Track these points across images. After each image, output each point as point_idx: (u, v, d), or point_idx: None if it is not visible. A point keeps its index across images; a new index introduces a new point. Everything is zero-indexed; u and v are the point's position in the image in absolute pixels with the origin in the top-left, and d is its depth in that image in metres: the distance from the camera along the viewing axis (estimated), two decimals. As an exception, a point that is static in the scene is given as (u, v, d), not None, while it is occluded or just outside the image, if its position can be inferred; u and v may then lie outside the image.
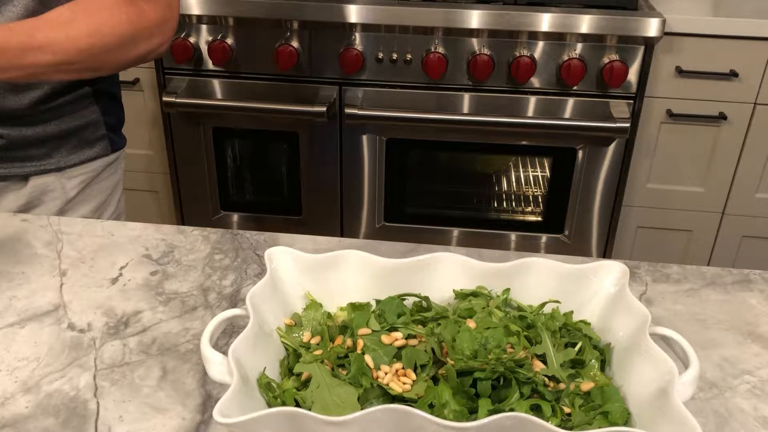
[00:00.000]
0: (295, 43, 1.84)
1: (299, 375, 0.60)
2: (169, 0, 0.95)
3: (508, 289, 0.68)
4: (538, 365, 0.61)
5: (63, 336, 0.71)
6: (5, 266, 0.82)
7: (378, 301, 0.68)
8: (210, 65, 1.90)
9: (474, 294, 0.68)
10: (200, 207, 2.10)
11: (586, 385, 0.60)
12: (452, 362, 0.59)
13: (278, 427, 0.52)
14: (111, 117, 1.12)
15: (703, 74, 1.83)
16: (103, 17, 0.89)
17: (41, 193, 1.06)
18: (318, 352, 0.62)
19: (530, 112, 1.88)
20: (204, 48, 1.87)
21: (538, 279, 0.68)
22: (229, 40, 1.85)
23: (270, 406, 0.57)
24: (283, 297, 0.67)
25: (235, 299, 0.78)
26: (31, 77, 0.90)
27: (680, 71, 1.83)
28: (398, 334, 0.64)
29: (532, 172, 2.01)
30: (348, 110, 1.86)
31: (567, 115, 1.87)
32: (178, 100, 1.89)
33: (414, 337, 0.64)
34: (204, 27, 1.85)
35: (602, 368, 0.63)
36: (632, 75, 1.80)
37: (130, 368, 0.67)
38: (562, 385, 0.60)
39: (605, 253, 2.04)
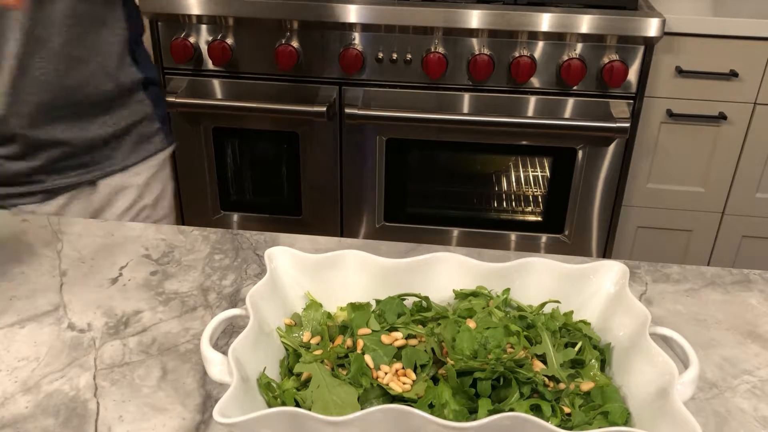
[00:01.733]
0: (295, 43, 1.84)
1: (299, 375, 0.60)
2: None
3: (508, 289, 0.68)
4: (538, 365, 0.61)
5: (63, 336, 0.71)
6: (5, 266, 0.82)
7: (378, 301, 0.68)
8: (210, 65, 1.90)
9: (474, 294, 0.68)
10: (200, 207, 2.10)
11: (586, 385, 0.60)
12: (452, 362, 0.59)
13: (278, 427, 0.52)
14: (160, 110, 1.11)
15: (703, 74, 1.83)
16: None
17: (111, 194, 1.05)
18: (318, 352, 0.62)
19: (530, 112, 1.88)
20: (204, 48, 1.87)
21: (538, 279, 0.68)
22: (229, 40, 1.85)
23: (270, 406, 0.57)
24: (283, 297, 0.67)
25: (235, 299, 0.78)
26: None
27: (680, 71, 1.83)
28: (398, 334, 0.64)
29: (532, 172, 2.01)
30: (348, 110, 1.86)
31: (567, 115, 1.87)
32: (178, 100, 1.89)
33: (414, 337, 0.64)
34: (204, 27, 1.85)
35: (602, 368, 0.63)
36: (632, 75, 1.80)
37: (130, 368, 0.67)
38: (562, 385, 0.60)
39: (605, 253, 2.04)
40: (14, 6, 0.69)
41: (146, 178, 1.09)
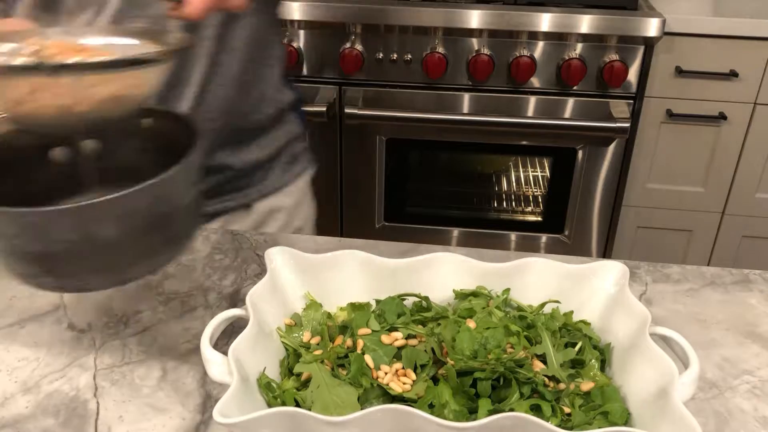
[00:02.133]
0: (295, 43, 1.84)
1: (299, 375, 0.60)
2: None
3: (508, 289, 0.68)
4: (538, 365, 0.61)
5: (63, 336, 0.71)
6: (5, 266, 0.82)
7: (378, 301, 0.68)
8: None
9: (474, 294, 0.68)
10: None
11: (586, 385, 0.60)
12: (452, 362, 0.59)
13: (278, 427, 0.52)
14: (304, 128, 1.09)
15: (703, 74, 1.83)
16: None
17: (266, 216, 1.04)
18: (318, 352, 0.62)
19: (530, 112, 1.88)
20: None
21: (538, 279, 0.68)
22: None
23: (270, 406, 0.57)
24: (283, 297, 0.67)
25: (235, 299, 0.77)
26: None
27: (680, 71, 1.83)
28: (398, 334, 0.64)
29: (532, 172, 2.02)
30: (348, 110, 1.86)
31: (567, 115, 1.87)
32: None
33: (414, 337, 0.64)
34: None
35: (602, 368, 0.63)
36: (632, 75, 1.80)
37: (129, 368, 0.67)
38: (562, 385, 0.60)
39: (605, 253, 2.04)
40: (239, 7, 0.67)
41: (296, 198, 1.07)
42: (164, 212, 0.59)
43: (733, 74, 1.81)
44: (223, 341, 0.70)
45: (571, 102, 1.85)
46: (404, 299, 0.68)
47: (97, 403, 0.63)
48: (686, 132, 1.91)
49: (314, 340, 0.65)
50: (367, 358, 0.61)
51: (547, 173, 1.99)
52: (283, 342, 0.64)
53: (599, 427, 0.54)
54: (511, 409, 0.55)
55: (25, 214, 0.55)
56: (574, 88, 1.83)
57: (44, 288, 0.62)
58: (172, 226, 0.61)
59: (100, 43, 0.64)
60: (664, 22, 1.73)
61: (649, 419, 0.56)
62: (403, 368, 0.61)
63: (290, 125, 1.04)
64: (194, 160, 0.60)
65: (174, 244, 0.63)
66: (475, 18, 1.76)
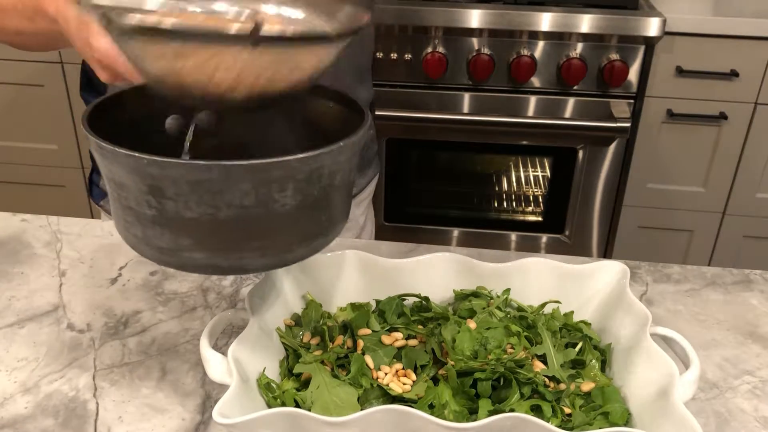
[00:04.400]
0: (295, 43, 1.84)
1: (299, 375, 0.60)
2: None
3: (508, 290, 0.68)
4: (539, 366, 0.61)
5: (62, 336, 0.71)
6: (5, 266, 0.82)
7: (378, 301, 0.68)
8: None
9: (474, 294, 0.68)
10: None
11: (587, 386, 0.60)
12: (452, 363, 0.59)
13: (278, 428, 0.52)
14: (374, 129, 1.03)
15: (704, 74, 1.83)
16: None
17: None
18: (318, 353, 0.62)
19: (530, 112, 1.88)
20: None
21: (538, 279, 0.68)
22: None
23: (270, 406, 0.57)
24: (283, 297, 0.66)
25: (235, 299, 0.77)
26: None
27: (680, 71, 1.83)
28: (398, 335, 0.64)
29: (532, 172, 2.01)
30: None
31: (567, 114, 1.87)
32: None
33: (414, 337, 0.64)
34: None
35: (603, 369, 0.63)
36: (632, 75, 1.80)
37: (129, 368, 0.67)
38: (562, 386, 0.60)
39: (605, 253, 2.04)
40: (366, 24, 0.62)
41: (366, 206, 1.02)
42: (336, 186, 0.54)
43: (734, 74, 1.81)
44: (223, 341, 0.70)
45: (571, 102, 1.85)
46: (404, 299, 0.68)
47: (97, 403, 0.63)
48: (687, 132, 1.91)
49: (314, 341, 0.64)
50: (367, 359, 0.61)
51: (548, 173, 1.99)
52: (283, 342, 0.64)
53: (600, 428, 0.54)
54: (512, 410, 0.55)
55: (205, 168, 0.47)
56: (575, 87, 1.83)
57: (186, 267, 0.55)
58: (337, 204, 0.56)
59: (273, 12, 0.56)
60: (664, 22, 1.73)
61: (649, 420, 0.56)
62: (403, 369, 0.61)
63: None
64: (364, 136, 0.55)
65: (333, 226, 0.57)
66: (475, 18, 1.76)
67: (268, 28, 0.50)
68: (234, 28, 0.48)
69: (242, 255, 0.52)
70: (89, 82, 0.96)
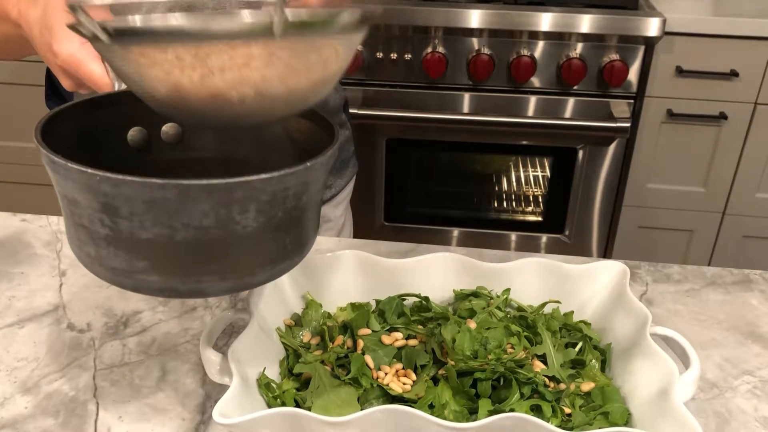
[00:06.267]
0: (295, 43, 1.84)
1: (299, 375, 0.60)
2: None
3: (508, 289, 0.68)
4: (539, 365, 0.61)
5: (62, 336, 0.71)
6: (5, 266, 0.82)
7: (378, 301, 0.68)
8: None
9: (474, 294, 0.68)
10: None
11: (587, 386, 0.60)
12: (452, 362, 0.59)
13: (278, 428, 0.52)
14: (350, 129, 1.02)
15: (704, 74, 1.83)
16: None
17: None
18: (318, 353, 0.62)
19: (530, 112, 1.88)
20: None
21: (538, 279, 0.68)
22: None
23: (270, 406, 0.57)
24: (283, 297, 0.67)
25: (235, 299, 0.77)
26: None
27: (680, 71, 1.83)
28: (398, 335, 0.64)
29: (532, 172, 2.01)
30: (348, 110, 1.86)
31: (567, 114, 1.87)
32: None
33: (414, 337, 0.64)
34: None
35: (602, 368, 0.63)
36: (632, 75, 1.80)
37: (129, 368, 0.67)
38: (562, 386, 0.60)
39: (605, 253, 2.04)
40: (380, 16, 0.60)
41: (344, 207, 1.01)
42: (302, 207, 0.51)
43: (734, 74, 1.81)
44: (223, 341, 0.70)
45: (571, 102, 1.85)
46: (404, 299, 0.68)
47: (97, 403, 0.63)
48: (687, 132, 1.91)
49: (314, 340, 0.64)
50: (368, 359, 0.61)
51: (548, 173, 1.99)
52: (283, 342, 0.64)
53: (600, 428, 0.54)
54: (512, 410, 0.55)
55: (160, 187, 0.44)
56: (575, 87, 1.83)
57: (141, 290, 0.52)
58: (303, 225, 0.53)
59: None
60: (664, 22, 1.73)
61: (649, 420, 0.56)
62: (403, 368, 0.61)
63: (342, 128, 0.97)
64: (332, 155, 0.52)
65: (299, 248, 0.55)
66: (475, 18, 1.76)
67: (295, 12, 0.46)
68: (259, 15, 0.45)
69: (201, 278, 0.50)
70: (54, 89, 0.93)
